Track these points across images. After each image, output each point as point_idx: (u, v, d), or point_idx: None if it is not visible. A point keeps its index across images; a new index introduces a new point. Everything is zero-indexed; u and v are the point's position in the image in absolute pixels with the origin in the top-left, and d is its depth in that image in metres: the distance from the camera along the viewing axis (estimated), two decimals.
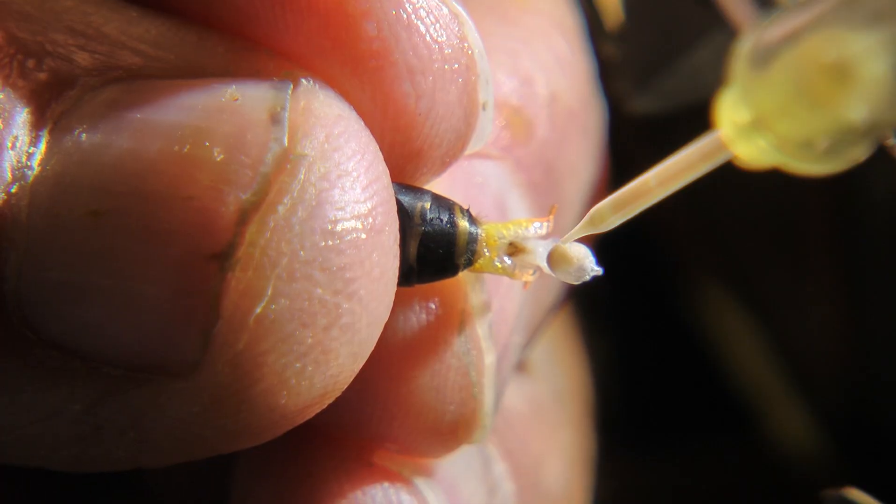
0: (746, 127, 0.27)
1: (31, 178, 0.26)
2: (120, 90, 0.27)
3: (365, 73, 0.28)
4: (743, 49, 0.27)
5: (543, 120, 0.37)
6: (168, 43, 0.28)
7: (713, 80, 0.29)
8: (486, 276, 0.33)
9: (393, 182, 0.29)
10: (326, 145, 0.27)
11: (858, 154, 0.26)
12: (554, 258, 0.32)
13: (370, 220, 0.27)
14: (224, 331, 0.26)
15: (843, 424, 0.49)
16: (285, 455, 0.34)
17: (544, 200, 0.37)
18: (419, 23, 0.29)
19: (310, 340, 0.26)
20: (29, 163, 0.26)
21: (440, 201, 0.31)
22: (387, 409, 0.32)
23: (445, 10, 0.29)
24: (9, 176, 0.26)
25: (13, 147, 0.26)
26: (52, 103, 0.27)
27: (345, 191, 0.27)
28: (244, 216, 0.26)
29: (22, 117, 0.27)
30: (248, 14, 0.28)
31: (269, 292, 0.26)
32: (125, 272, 0.26)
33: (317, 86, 0.27)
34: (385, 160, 0.28)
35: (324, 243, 0.26)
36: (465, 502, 0.36)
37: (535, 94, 0.37)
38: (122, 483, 0.41)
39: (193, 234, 0.26)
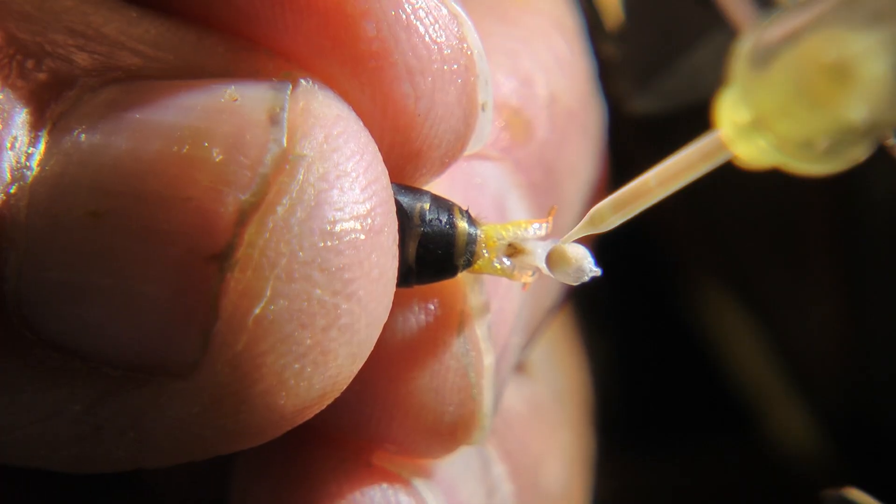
0: (746, 127, 0.27)
1: (31, 179, 0.26)
2: (119, 91, 0.27)
3: (364, 74, 0.28)
4: (743, 49, 0.27)
5: (543, 121, 0.37)
6: (167, 43, 0.28)
7: (713, 80, 0.29)
8: (485, 277, 0.33)
9: (392, 183, 0.29)
10: (325, 146, 0.27)
11: (858, 154, 0.26)
12: (552, 259, 0.32)
13: (369, 220, 0.27)
14: (223, 331, 0.26)
15: (843, 424, 0.49)
16: (284, 456, 0.34)
17: (544, 201, 0.37)
18: (418, 23, 0.29)
19: (309, 341, 0.26)
20: (28, 163, 0.26)
21: (439, 202, 0.31)
22: (386, 409, 0.32)
23: (444, 11, 0.29)
24: (8, 176, 0.26)
25: (12, 147, 0.26)
26: (51, 104, 0.27)
27: (344, 191, 0.27)
28: (243, 217, 0.26)
29: (21, 118, 0.27)
30: (247, 14, 0.28)
31: (268, 293, 0.26)
32: (124, 272, 0.26)
33: (316, 86, 0.27)
34: (384, 161, 0.28)
35: (322, 244, 0.26)
36: (463, 503, 0.36)
37: (535, 94, 0.37)
38: (122, 483, 0.41)
39: (192, 234, 0.26)
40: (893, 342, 0.45)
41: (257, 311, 0.26)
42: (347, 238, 0.26)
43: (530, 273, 0.32)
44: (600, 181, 0.42)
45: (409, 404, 0.32)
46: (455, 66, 0.29)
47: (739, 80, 0.27)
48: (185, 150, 0.26)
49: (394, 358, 0.32)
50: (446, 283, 0.32)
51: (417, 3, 0.29)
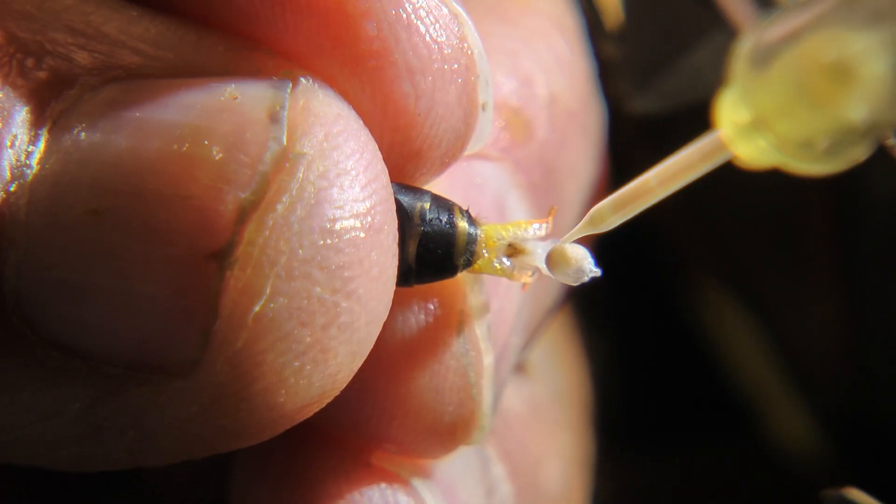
0: (746, 127, 0.27)
1: (31, 177, 0.26)
2: (119, 89, 0.27)
3: (364, 73, 0.28)
4: (743, 49, 0.27)
5: (543, 121, 0.37)
6: (167, 42, 0.28)
7: (713, 80, 0.29)
8: (485, 277, 0.33)
9: (392, 182, 0.29)
10: (325, 144, 0.27)
11: (858, 154, 0.26)
12: (552, 259, 0.32)
13: (369, 218, 0.27)
14: (223, 329, 0.26)
15: (843, 424, 0.49)
16: (284, 455, 0.34)
17: (544, 201, 0.37)
18: (419, 23, 0.29)
19: (308, 339, 0.26)
20: (28, 161, 0.26)
21: (440, 202, 0.31)
22: (385, 409, 0.32)
23: (445, 11, 0.29)
24: (8, 175, 0.26)
25: (12, 146, 0.26)
26: (51, 102, 0.27)
27: (343, 189, 0.27)
28: (243, 215, 0.26)
29: (21, 116, 0.27)
30: (247, 13, 0.28)
31: (268, 291, 0.26)
32: (124, 271, 0.26)
33: (316, 85, 0.27)
34: (384, 160, 0.28)
35: (322, 242, 0.26)
36: (463, 503, 0.36)
37: (535, 94, 0.37)
38: (122, 483, 0.41)
39: (192, 232, 0.26)
40: (893, 342, 0.45)
41: (257, 309, 0.26)
42: (347, 236, 0.26)
43: (530, 273, 0.32)
44: (600, 181, 0.42)
45: (408, 404, 0.32)
46: (455, 66, 0.29)
47: (739, 80, 0.27)
48: (185, 149, 0.26)
49: (393, 357, 0.32)
50: (446, 283, 0.32)
51: (418, 2, 0.29)
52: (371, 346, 0.28)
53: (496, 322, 0.33)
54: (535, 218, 0.34)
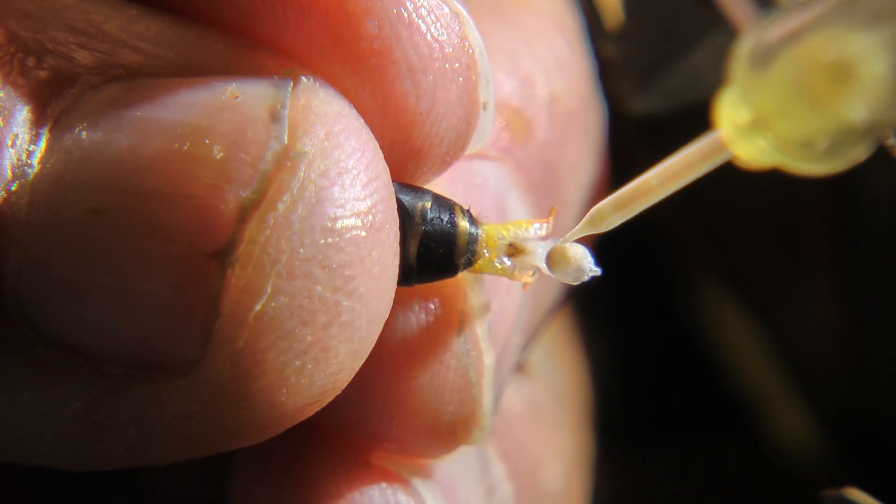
0: (746, 127, 0.27)
1: (32, 176, 0.26)
2: (120, 88, 0.27)
3: (365, 72, 0.28)
4: (743, 49, 0.27)
5: (543, 121, 0.37)
6: (168, 41, 0.28)
7: (713, 80, 0.29)
8: (486, 276, 0.33)
9: (394, 181, 0.29)
10: (326, 143, 0.27)
11: (858, 154, 0.26)
12: (552, 259, 0.32)
13: (370, 217, 0.27)
14: (224, 328, 0.26)
15: (843, 424, 0.49)
16: (284, 455, 0.34)
17: (544, 201, 0.37)
18: (420, 21, 0.29)
19: (309, 338, 0.26)
20: (29, 161, 0.26)
21: (441, 201, 0.31)
22: (385, 408, 0.32)
23: (446, 9, 0.29)
24: (9, 174, 0.26)
25: (13, 145, 0.26)
26: (52, 101, 0.27)
27: (345, 188, 0.27)
28: (244, 214, 0.26)
29: (22, 115, 0.27)
30: (248, 12, 0.28)
31: (269, 290, 0.26)
32: (125, 270, 0.26)
33: (317, 84, 0.27)
34: (385, 159, 0.28)
35: (323, 240, 0.26)
36: (463, 503, 0.36)
37: (535, 94, 0.37)
38: (123, 482, 0.41)
39: (193, 231, 0.26)
40: (893, 342, 0.45)
41: (258, 307, 0.26)
42: (348, 235, 0.26)
43: (530, 273, 0.32)
44: (600, 181, 0.42)
45: (408, 403, 0.32)
46: (457, 65, 0.29)
47: (739, 80, 0.27)
48: (186, 148, 0.26)
49: (394, 357, 0.32)
50: (447, 283, 0.32)
51: (419, 1, 0.29)
52: (372, 345, 0.28)
53: (497, 322, 0.33)
54: (535, 218, 0.34)
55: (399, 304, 0.31)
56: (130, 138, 0.26)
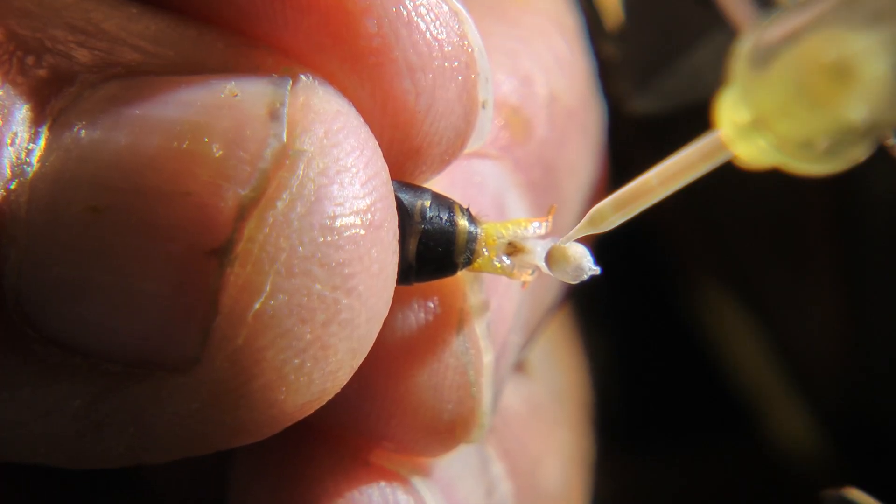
0: (746, 127, 0.27)
1: (31, 175, 0.26)
2: (119, 87, 0.27)
3: (364, 70, 0.28)
4: (743, 49, 0.27)
5: (542, 120, 0.37)
6: (167, 39, 0.28)
7: (713, 80, 0.29)
8: (485, 275, 0.33)
9: (393, 180, 0.29)
10: (325, 141, 0.27)
11: (858, 154, 0.26)
12: (552, 258, 0.32)
13: (369, 215, 0.27)
14: (223, 326, 0.26)
15: (843, 424, 0.49)
16: (283, 454, 0.34)
17: (543, 200, 0.37)
18: (419, 20, 0.29)
19: (308, 336, 0.26)
20: (28, 159, 0.26)
21: (440, 200, 0.31)
22: (385, 407, 0.32)
23: (445, 8, 0.29)
24: (8, 172, 0.26)
25: (12, 143, 0.26)
26: (51, 100, 0.27)
27: (343, 186, 0.27)
28: (243, 212, 0.26)
29: (21, 114, 0.27)
30: (247, 10, 0.28)
31: (268, 288, 0.26)
32: (124, 268, 0.26)
33: (316, 82, 0.27)
34: (384, 157, 0.28)
35: (322, 239, 0.26)
36: (462, 502, 0.36)
37: (535, 93, 0.37)
38: (123, 482, 0.41)
39: (192, 229, 0.26)
40: (893, 342, 0.45)
41: (257, 305, 0.26)
42: (347, 233, 0.27)
43: (530, 272, 0.32)
44: (600, 181, 0.42)
45: (408, 402, 0.32)
46: (456, 64, 0.29)
47: (739, 80, 0.27)
48: (184, 146, 0.26)
49: (393, 355, 0.32)
50: (446, 282, 0.32)
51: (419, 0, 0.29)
52: (371, 344, 0.28)
53: (496, 320, 0.33)
54: (534, 217, 0.34)
55: (398, 302, 0.31)
56: (129, 136, 0.26)
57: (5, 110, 0.26)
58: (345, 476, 0.33)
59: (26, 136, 0.27)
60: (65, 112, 0.27)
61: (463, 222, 0.31)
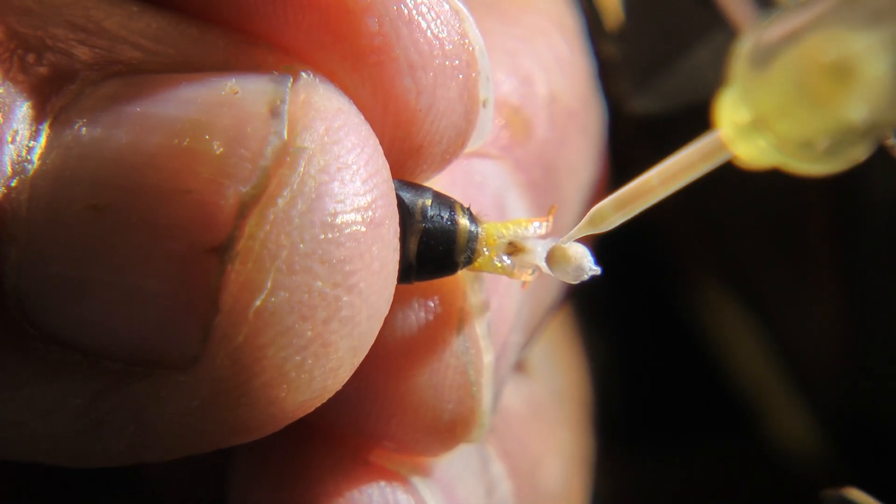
0: (746, 127, 0.27)
1: (31, 173, 0.26)
2: (120, 84, 0.27)
3: (365, 69, 0.28)
4: (743, 49, 0.27)
5: (543, 120, 0.37)
6: (168, 37, 0.28)
7: (713, 80, 0.29)
8: (485, 275, 0.33)
9: (394, 178, 0.29)
10: (326, 138, 0.27)
11: (858, 154, 0.26)
12: (552, 257, 0.32)
13: (370, 213, 0.27)
14: (224, 324, 0.26)
15: (843, 424, 0.49)
16: (283, 453, 0.34)
17: (543, 200, 0.37)
18: (420, 18, 0.29)
19: (309, 333, 0.26)
20: (29, 157, 0.26)
21: (441, 199, 0.31)
22: (385, 406, 0.32)
23: (446, 7, 0.29)
24: (9, 170, 0.26)
25: (13, 141, 0.26)
26: (52, 97, 0.27)
27: (344, 183, 0.27)
28: (244, 209, 0.26)
29: (22, 111, 0.27)
30: (248, 9, 0.28)
31: (269, 285, 0.26)
32: (125, 266, 0.26)
33: (317, 79, 0.28)
34: (385, 156, 0.28)
35: (323, 236, 0.26)
36: (462, 501, 0.36)
37: (535, 93, 0.37)
38: (123, 481, 0.41)
39: (193, 227, 0.26)
40: (893, 342, 0.45)
41: (258, 303, 0.26)
42: (348, 230, 0.27)
43: (530, 271, 0.32)
44: (600, 181, 0.42)
45: (408, 401, 0.32)
46: (457, 62, 0.29)
47: (739, 80, 0.27)
48: (185, 143, 0.26)
49: (393, 355, 0.32)
50: (446, 281, 0.32)
51: None
52: (372, 341, 0.28)
53: (496, 320, 0.33)
54: (534, 216, 0.34)
55: (399, 301, 0.31)
56: (130, 134, 0.26)
57: (6, 108, 0.26)
58: (345, 476, 0.33)
59: (27, 133, 0.27)
60: (66, 110, 0.27)
61: (464, 221, 0.31)
